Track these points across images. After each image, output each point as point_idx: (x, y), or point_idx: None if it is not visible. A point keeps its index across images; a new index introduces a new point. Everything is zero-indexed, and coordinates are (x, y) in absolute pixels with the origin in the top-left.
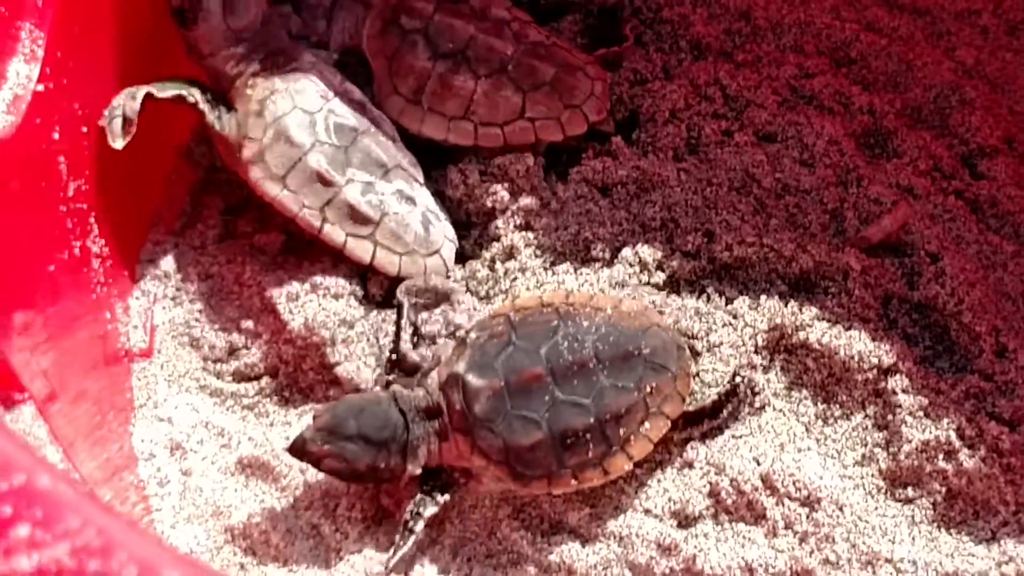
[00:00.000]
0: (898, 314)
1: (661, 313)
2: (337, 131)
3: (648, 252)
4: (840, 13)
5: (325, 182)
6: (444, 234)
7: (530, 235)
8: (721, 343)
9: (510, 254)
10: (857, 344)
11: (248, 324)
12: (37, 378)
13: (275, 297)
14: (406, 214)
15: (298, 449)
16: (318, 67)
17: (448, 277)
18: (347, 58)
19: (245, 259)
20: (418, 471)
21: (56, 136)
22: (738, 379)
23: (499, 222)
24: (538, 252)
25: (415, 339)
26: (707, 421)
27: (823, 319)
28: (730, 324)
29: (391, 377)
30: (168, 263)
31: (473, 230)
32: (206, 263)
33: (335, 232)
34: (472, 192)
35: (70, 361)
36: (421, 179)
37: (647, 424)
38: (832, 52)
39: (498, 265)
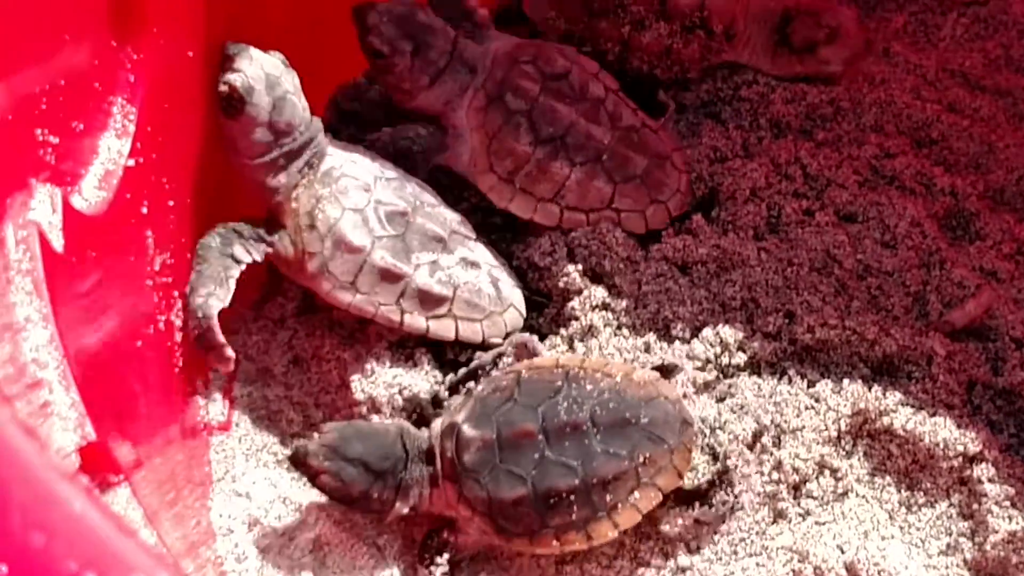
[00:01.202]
0: (982, 400)
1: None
2: (390, 220)
3: (729, 332)
4: (920, 93)
5: (395, 277)
6: (512, 284)
7: (609, 315)
8: (803, 427)
9: (589, 332)
10: (942, 431)
11: (326, 398)
12: (124, 446)
13: (352, 372)
14: (475, 280)
15: (298, 460)
16: (349, 156)
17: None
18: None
19: (324, 333)
20: (405, 511)
21: (145, 211)
22: (729, 463)
23: (576, 302)
24: (617, 332)
25: (467, 382)
26: (697, 505)
27: (907, 404)
28: (812, 408)
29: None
30: (248, 336)
31: (549, 308)
32: (285, 336)
33: (416, 320)
34: (552, 269)
35: (151, 435)
36: (473, 235)
37: (637, 494)
38: (913, 132)
39: (577, 344)
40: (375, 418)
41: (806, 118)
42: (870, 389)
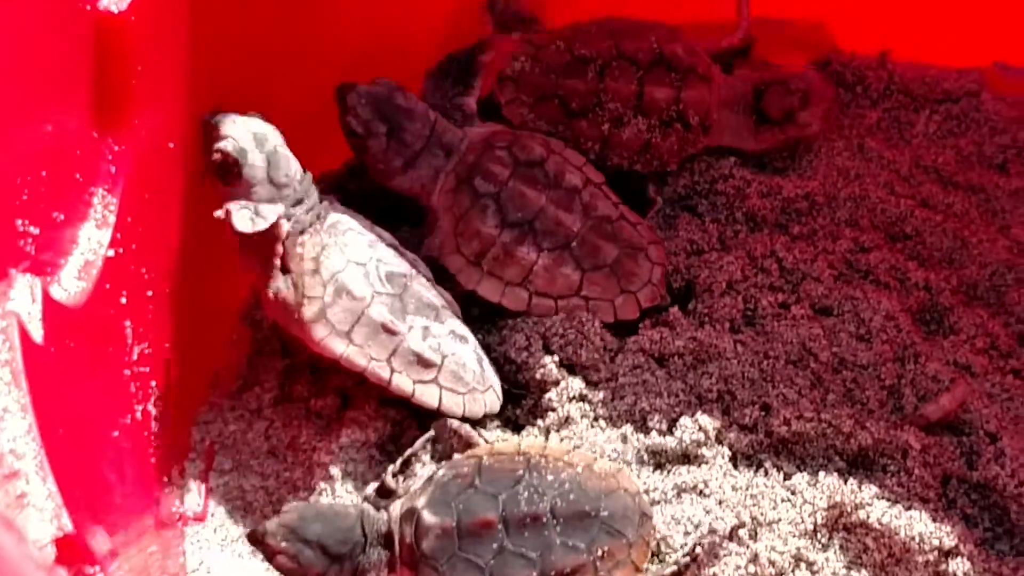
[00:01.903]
0: (957, 494)
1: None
2: (389, 279)
3: (708, 423)
4: (894, 189)
5: (390, 332)
6: (493, 370)
7: (586, 406)
8: (780, 520)
9: (566, 423)
10: (917, 525)
11: (302, 491)
12: (99, 536)
13: (330, 464)
14: (461, 353)
15: (256, 538)
16: (352, 217)
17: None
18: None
19: (301, 423)
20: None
21: (123, 301)
22: (698, 550)
23: (553, 393)
24: (594, 423)
25: (405, 469)
26: None
27: (882, 498)
28: (788, 500)
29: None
30: (225, 426)
31: (527, 399)
32: (262, 427)
33: (404, 381)
34: (529, 362)
35: (127, 525)
36: (459, 313)
37: None
38: (887, 227)
39: (553, 435)
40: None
41: (782, 212)
42: (846, 482)
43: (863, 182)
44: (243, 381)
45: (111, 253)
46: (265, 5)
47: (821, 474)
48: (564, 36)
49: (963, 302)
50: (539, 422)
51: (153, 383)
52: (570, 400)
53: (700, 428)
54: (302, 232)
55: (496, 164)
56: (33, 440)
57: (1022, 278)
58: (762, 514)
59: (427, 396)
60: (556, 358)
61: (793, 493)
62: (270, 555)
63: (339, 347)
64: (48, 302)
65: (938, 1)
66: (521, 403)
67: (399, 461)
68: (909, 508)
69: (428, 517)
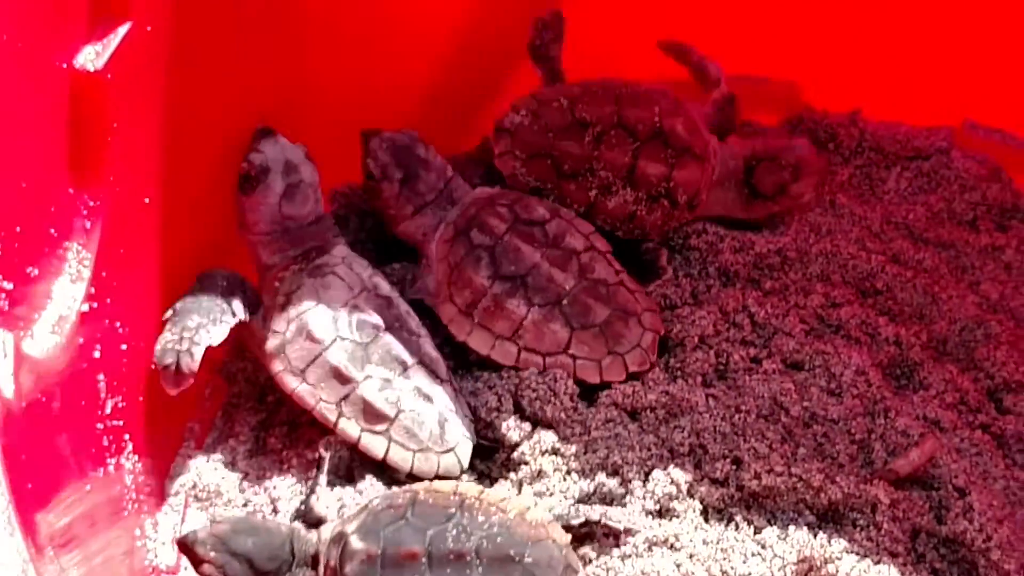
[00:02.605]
0: (926, 548)
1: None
2: (360, 327)
3: (680, 476)
4: (866, 244)
5: (343, 378)
6: (462, 432)
7: (558, 459)
8: (750, 574)
9: (538, 477)
10: None
11: None
12: None
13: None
14: (422, 412)
15: (185, 545)
16: (348, 260)
17: (461, 475)
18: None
19: (275, 475)
20: None
21: (97, 355)
22: None
23: (525, 447)
24: (567, 476)
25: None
26: None
27: (852, 552)
28: (759, 555)
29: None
30: (198, 479)
31: (499, 453)
32: (235, 479)
33: (350, 427)
34: (497, 421)
35: None
36: (444, 375)
37: None
38: (858, 283)
39: (525, 488)
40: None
41: (754, 267)
42: (816, 536)
43: (835, 238)
44: (218, 433)
45: (85, 308)
46: (243, 62)
47: (791, 528)
48: (569, 94)
49: (933, 357)
50: (512, 475)
51: (127, 436)
52: (542, 454)
53: (672, 482)
54: (286, 268)
55: (494, 218)
56: (2, 496)
57: (991, 334)
58: (732, 568)
59: (373, 446)
60: (527, 413)
61: (763, 547)
62: (196, 563)
63: (291, 383)
64: (20, 357)
65: (909, 60)
66: (494, 456)
67: (311, 484)
68: (878, 562)
69: (355, 542)
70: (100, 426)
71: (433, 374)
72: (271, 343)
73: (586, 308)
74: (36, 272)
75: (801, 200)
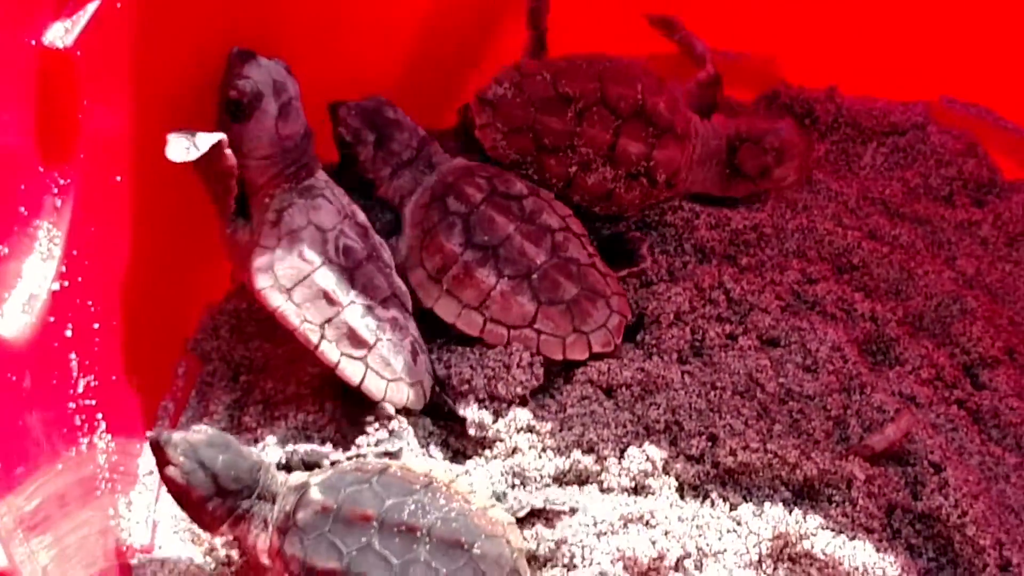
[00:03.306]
0: (902, 524)
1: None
2: (346, 253)
3: (656, 453)
4: (842, 220)
5: (330, 301)
6: (426, 367)
7: (534, 437)
8: (725, 550)
9: (513, 454)
10: (861, 555)
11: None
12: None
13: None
14: (399, 341)
15: (156, 445)
16: (331, 185)
17: (424, 408)
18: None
19: None
20: (230, 537)
21: (68, 334)
22: None
23: (500, 424)
24: (542, 454)
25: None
26: None
27: (827, 528)
28: (734, 531)
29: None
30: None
31: (476, 430)
32: None
33: (331, 350)
34: (469, 396)
35: (71, 558)
36: (410, 308)
37: None
38: (834, 259)
39: (497, 463)
40: None
41: (730, 243)
42: (791, 512)
43: (811, 214)
44: (192, 412)
45: (56, 286)
46: (217, 37)
47: (767, 504)
48: (553, 68)
49: (909, 333)
50: (486, 452)
51: (99, 416)
52: (517, 431)
53: (648, 459)
54: (277, 184)
55: (472, 187)
56: None
57: (967, 309)
58: (708, 545)
59: (350, 371)
60: (500, 391)
61: (739, 524)
62: (162, 464)
63: (277, 300)
64: None
65: (885, 36)
66: (469, 433)
67: (308, 447)
68: (853, 538)
69: (314, 493)
70: (72, 405)
71: (404, 307)
72: (259, 259)
73: (555, 284)
74: (6, 251)
75: (783, 183)
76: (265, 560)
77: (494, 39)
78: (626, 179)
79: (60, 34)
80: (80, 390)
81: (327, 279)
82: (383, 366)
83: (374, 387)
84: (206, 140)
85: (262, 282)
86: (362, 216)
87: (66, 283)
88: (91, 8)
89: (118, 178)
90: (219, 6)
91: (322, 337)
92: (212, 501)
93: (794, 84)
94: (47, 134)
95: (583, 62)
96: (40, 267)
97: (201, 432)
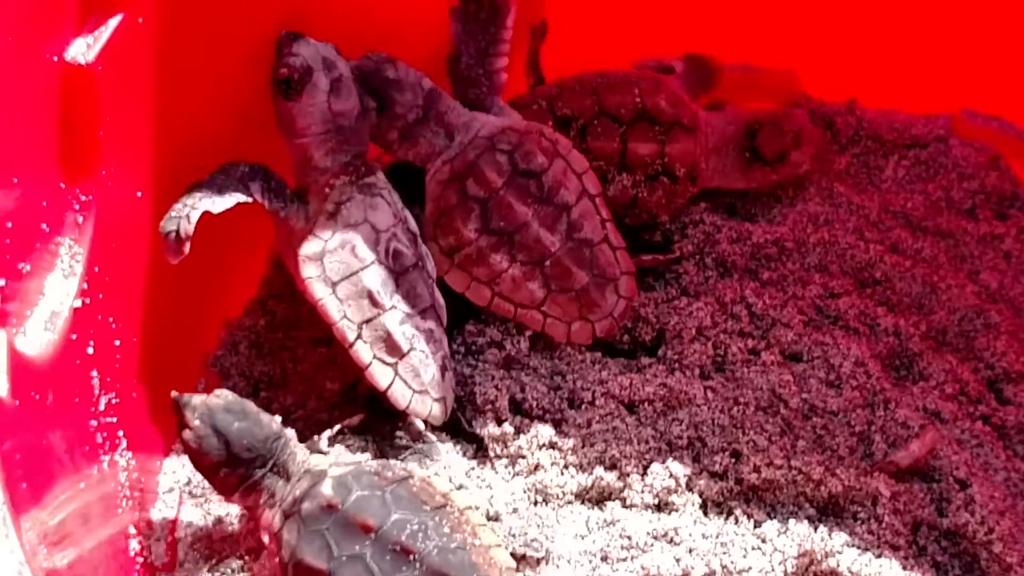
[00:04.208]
0: (927, 541)
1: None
2: (395, 257)
3: (679, 470)
4: (864, 234)
5: (373, 302)
6: (452, 384)
7: (556, 453)
8: (750, 568)
9: (535, 471)
10: (888, 572)
11: (266, 538)
12: None
13: None
14: (431, 354)
15: (178, 405)
16: (389, 188)
17: (444, 424)
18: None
19: None
20: (239, 508)
21: (90, 351)
22: None
23: (523, 440)
24: (564, 470)
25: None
26: None
27: (853, 546)
28: (759, 549)
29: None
30: (192, 475)
31: (495, 444)
32: None
33: (364, 351)
34: (491, 414)
35: (93, 574)
36: (445, 322)
37: None
38: (856, 273)
39: (523, 481)
40: None
41: (752, 257)
42: (816, 530)
43: (832, 227)
44: None
45: (78, 303)
46: (235, 52)
47: (791, 521)
48: (546, 95)
49: (932, 348)
50: (510, 468)
51: (120, 433)
52: (540, 448)
53: (671, 475)
54: (338, 174)
55: (492, 169)
56: None
57: (991, 324)
58: (732, 562)
59: (380, 375)
60: (524, 407)
61: (763, 541)
62: (180, 425)
63: (320, 292)
64: (13, 354)
65: (906, 48)
66: (489, 453)
67: (335, 429)
68: (879, 556)
69: (326, 487)
70: (94, 423)
71: (439, 320)
72: (310, 246)
73: (567, 272)
74: (28, 268)
75: (800, 170)
76: (264, 536)
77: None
78: (646, 182)
79: (82, 50)
80: (102, 407)
81: (374, 279)
82: (412, 376)
83: (400, 395)
84: (193, 213)
85: (308, 271)
86: (413, 223)
87: (88, 300)
88: (113, 23)
89: (139, 194)
90: (240, 20)
91: (358, 337)
92: (224, 468)
93: (815, 97)
94: (69, 150)
95: (574, 83)
96: (62, 284)
97: (221, 397)
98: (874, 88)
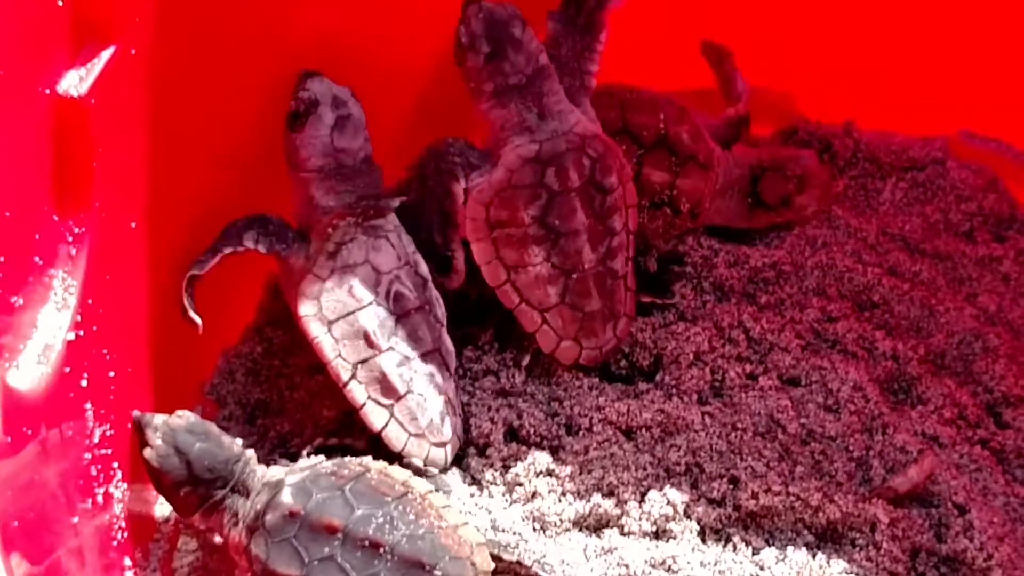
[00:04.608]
0: (926, 567)
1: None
2: (396, 299)
3: (676, 497)
4: (861, 257)
5: (369, 342)
6: (455, 429)
7: (553, 481)
8: None
9: (532, 499)
10: None
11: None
12: None
13: None
14: (429, 398)
15: (139, 424)
16: (399, 231)
17: (445, 471)
18: None
19: None
20: (202, 527)
21: (84, 383)
22: None
23: (519, 467)
24: (562, 497)
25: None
26: None
27: (851, 573)
28: None
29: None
30: None
31: (492, 471)
32: None
33: (358, 391)
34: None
35: None
36: (452, 368)
37: None
38: (854, 296)
39: (517, 507)
40: None
41: (749, 281)
42: (814, 557)
43: (830, 250)
44: None
45: (71, 336)
46: (229, 81)
47: (789, 548)
48: None
49: (931, 372)
50: (507, 496)
51: (115, 465)
52: (536, 475)
53: (668, 502)
54: (341, 215)
55: (575, 170)
56: None
57: (990, 347)
58: None
59: (374, 416)
60: (520, 435)
61: (762, 568)
62: (141, 444)
63: (316, 331)
64: (5, 388)
65: (903, 70)
66: (492, 476)
67: (317, 443)
68: None
69: (285, 496)
70: (88, 455)
71: (445, 366)
72: (309, 285)
73: (586, 293)
74: (21, 301)
75: (805, 212)
76: (234, 555)
77: None
78: (650, 208)
79: (75, 83)
80: (96, 440)
81: (370, 320)
82: (408, 419)
83: (394, 437)
84: (188, 290)
85: (305, 309)
86: (424, 268)
87: (81, 332)
88: (105, 56)
89: (133, 225)
90: (233, 53)
91: (352, 376)
92: (185, 488)
93: (812, 119)
94: (62, 183)
95: (604, 92)
96: (55, 317)
97: (183, 418)
98: (871, 110)
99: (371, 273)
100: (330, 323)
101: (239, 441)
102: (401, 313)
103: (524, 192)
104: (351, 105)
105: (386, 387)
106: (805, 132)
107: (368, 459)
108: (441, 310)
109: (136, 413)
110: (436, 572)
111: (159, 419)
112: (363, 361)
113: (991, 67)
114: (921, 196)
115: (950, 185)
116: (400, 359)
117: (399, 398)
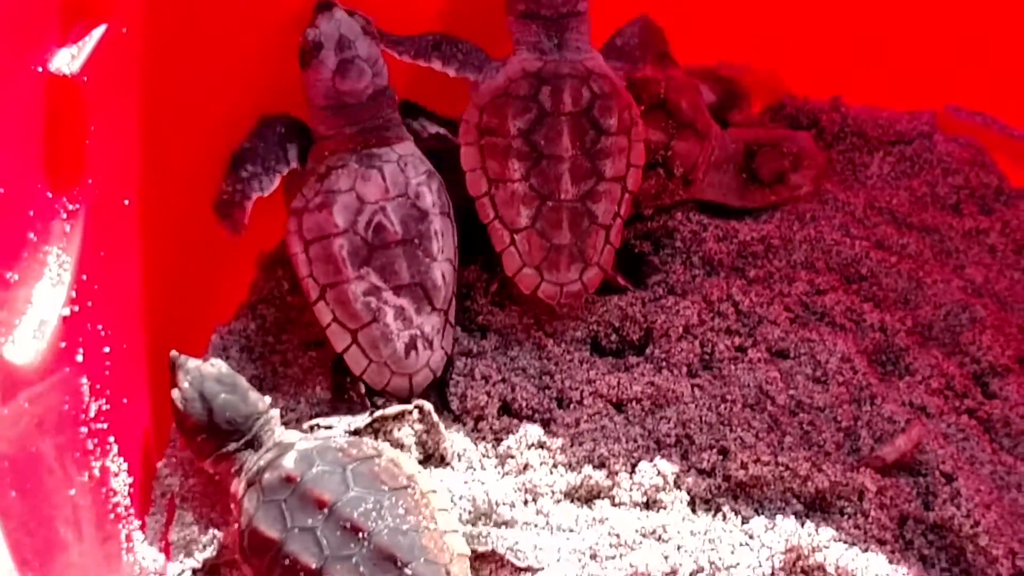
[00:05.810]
0: (914, 535)
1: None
2: (377, 230)
3: (667, 468)
4: (849, 230)
5: (337, 268)
6: (427, 363)
7: (544, 453)
8: (737, 564)
9: (524, 470)
10: (874, 567)
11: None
12: None
13: None
14: (394, 330)
15: (173, 364)
16: (404, 161)
17: (409, 400)
18: None
19: None
20: (211, 471)
21: (80, 359)
22: None
23: (511, 440)
24: (553, 469)
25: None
26: None
27: (840, 540)
28: (746, 544)
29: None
30: (185, 479)
31: (483, 443)
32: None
33: (324, 311)
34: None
35: None
36: (440, 304)
37: None
38: (842, 269)
39: (511, 479)
40: None
41: (738, 255)
42: (803, 525)
43: (818, 224)
44: None
45: (67, 312)
46: (222, 59)
47: (779, 517)
48: None
49: (918, 343)
50: (499, 468)
51: (111, 439)
52: (528, 447)
53: (659, 473)
54: (340, 142)
55: (570, 95)
56: None
57: (977, 318)
58: (720, 559)
59: (337, 336)
60: (512, 408)
61: (751, 537)
62: (172, 384)
63: (295, 247)
64: (2, 363)
65: (890, 45)
66: (478, 444)
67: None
68: (866, 550)
69: (287, 460)
70: (84, 430)
71: (427, 300)
72: (296, 202)
73: (557, 224)
74: (16, 277)
75: (798, 192)
76: (231, 504)
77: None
78: (643, 168)
79: (67, 61)
80: (92, 414)
81: (342, 247)
82: (370, 347)
83: (354, 361)
84: (247, 203)
85: (290, 225)
86: (428, 201)
87: (76, 308)
88: (97, 34)
89: (126, 202)
90: (226, 28)
91: (320, 297)
92: (202, 433)
93: (799, 95)
94: (55, 160)
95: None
96: (50, 293)
97: (215, 366)
98: (858, 85)
99: (354, 201)
100: (307, 243)
101: (267, 399)
102: (379, 245)
103: (516, 103)
104: (358, 45)
105: (350, 313)
106: (792, 108)
107: (386, 445)
108: (438, 245)
109: (173, 353)
110: (407, 571)
111: (192, 363)
112: (331, 285)
113: (978, 41)
114: (908, 170)
115: (937, 159)
116: (368, 288)
117: (363, 325)
